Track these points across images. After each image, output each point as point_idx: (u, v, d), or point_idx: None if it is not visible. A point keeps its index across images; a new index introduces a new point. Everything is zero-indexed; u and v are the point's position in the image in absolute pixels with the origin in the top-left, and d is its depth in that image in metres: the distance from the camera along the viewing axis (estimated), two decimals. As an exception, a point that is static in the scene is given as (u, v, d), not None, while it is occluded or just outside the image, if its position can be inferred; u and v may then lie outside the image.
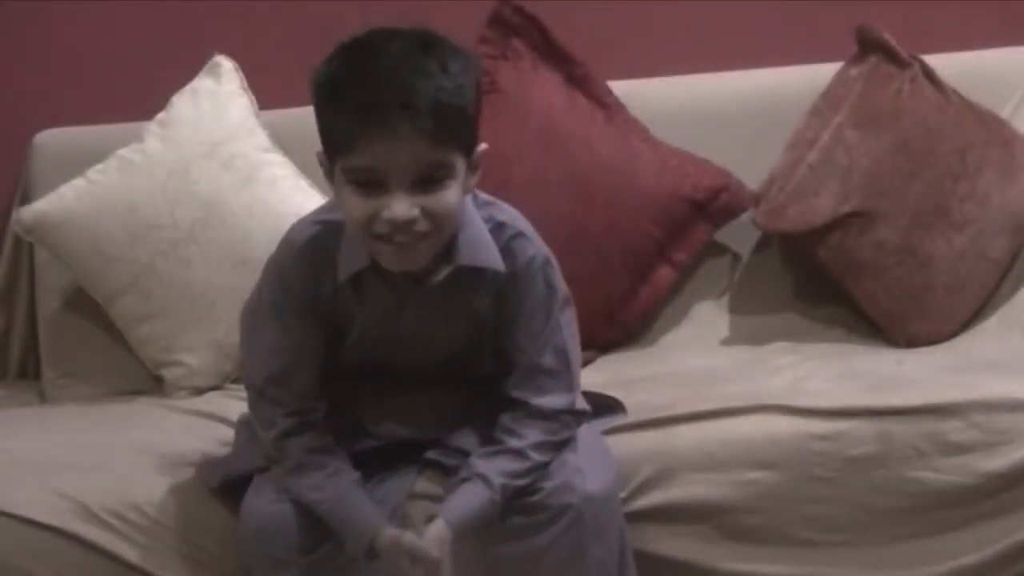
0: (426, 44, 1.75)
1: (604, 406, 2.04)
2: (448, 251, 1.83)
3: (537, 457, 1.86)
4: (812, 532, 2.03)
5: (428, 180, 1.74)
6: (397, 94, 1.70)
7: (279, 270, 1.89)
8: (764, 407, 2.07)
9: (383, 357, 1.93)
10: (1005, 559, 2.03)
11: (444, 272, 1.83)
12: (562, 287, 1.92)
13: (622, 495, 1.98)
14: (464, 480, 1.84)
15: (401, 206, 1.72)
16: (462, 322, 1.90)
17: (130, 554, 1.95)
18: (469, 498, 1.83)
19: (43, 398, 2.57)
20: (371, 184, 1.73)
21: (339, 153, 1.75)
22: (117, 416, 2.37)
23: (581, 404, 1.94)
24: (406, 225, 1.73)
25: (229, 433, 2.13)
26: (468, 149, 1.79)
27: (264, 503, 1.87)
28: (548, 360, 1.89)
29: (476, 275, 1.86)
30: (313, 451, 1.87)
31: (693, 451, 2.03)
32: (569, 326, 1.93)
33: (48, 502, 1.97)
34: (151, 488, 2.00)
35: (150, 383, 2.53)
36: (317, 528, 1.85)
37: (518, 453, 1.85)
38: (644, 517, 2.00)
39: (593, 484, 1.87)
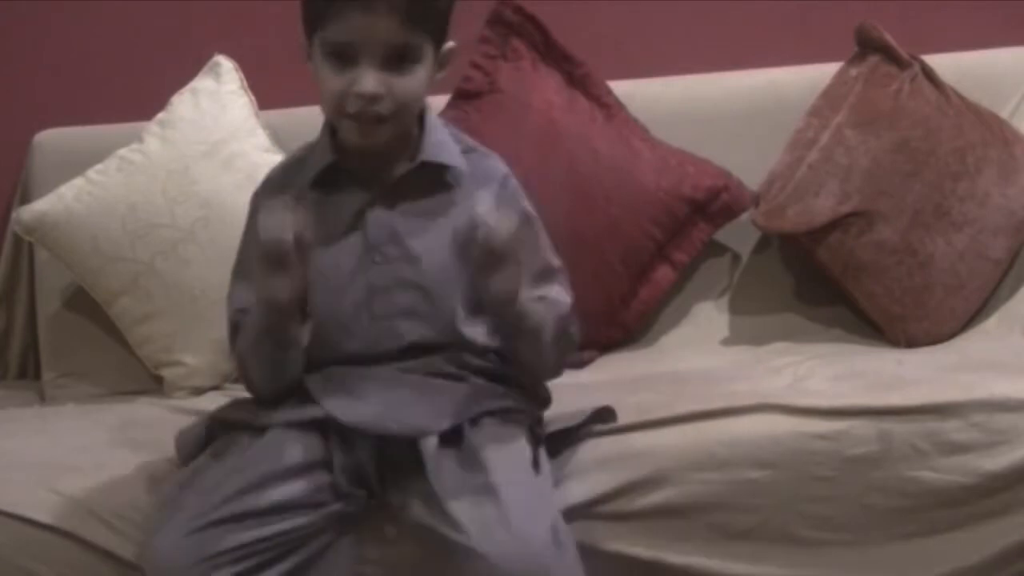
0: None
1: (594, 417, 2.02)
2: (412, 152, 1.92)
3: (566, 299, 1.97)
4: (812, 532, 2.03)
5: (398, 60, 1.83)
6: None
7: (252, 209, 1.99)
8: (764, 407, 2.06)
9: (353, 327, 1.92)
10: (1005, 559, 2.03)
11: (408, 167, 1.91)
12: (529, 207, 1.99)
13: (621, 496, 1.97)
14: None
15: (370, 81, 1.82)
16: (433, 244, 1.92)
17: (130, 554, 1.94)
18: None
19: (43, 398, 2.57)
20: (344, 57, 1.83)
21: (316, 26, 1.85)
22: (117, 416, 2.37)
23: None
24: (372, 100, 1.83)
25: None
26: (438, 38, 1.87)
27: (169, 543, 1.79)
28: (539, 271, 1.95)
29: (443, 187, 1.93)
30: None
31: (693, 450, 2.02)
32: (547, 244, 2.01)
33: (48, 502, 1.97)
34: (151, 488, 1.99)
35: (150, 383, 2.53)
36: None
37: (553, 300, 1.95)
38: (644, 517, 2.00)
39: (519, 534, 1.76)
